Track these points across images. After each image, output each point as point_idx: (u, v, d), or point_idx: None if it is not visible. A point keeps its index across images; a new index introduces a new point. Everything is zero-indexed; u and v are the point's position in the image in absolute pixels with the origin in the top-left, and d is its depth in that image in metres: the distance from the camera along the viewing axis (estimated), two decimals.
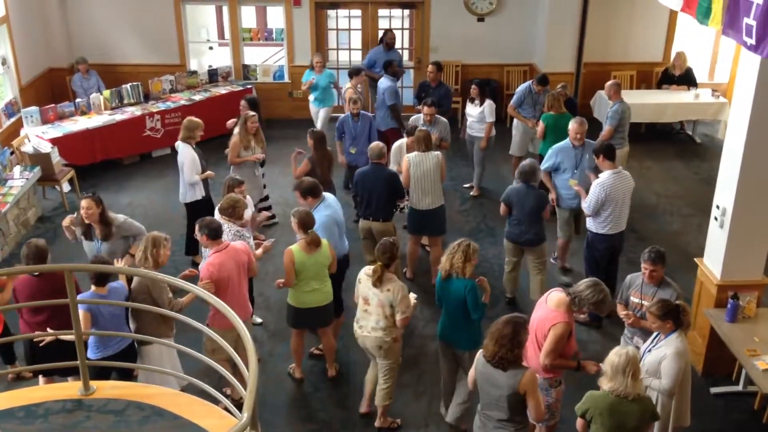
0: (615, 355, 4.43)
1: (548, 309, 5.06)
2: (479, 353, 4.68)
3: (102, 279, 5.44)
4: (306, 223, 5.97)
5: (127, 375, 5.56)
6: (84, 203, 6.19)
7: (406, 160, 7.53)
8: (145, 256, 5.58)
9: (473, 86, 9.50)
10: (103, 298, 5.41)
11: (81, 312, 5.37)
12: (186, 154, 7.75)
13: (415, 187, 7.50)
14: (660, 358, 4.90)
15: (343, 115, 9.07)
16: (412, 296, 5.78)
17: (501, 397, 4.53)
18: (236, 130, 8.27)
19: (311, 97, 10.71)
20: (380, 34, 12.50)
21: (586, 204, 6.95)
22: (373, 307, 5.66)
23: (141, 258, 5.61)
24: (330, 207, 6.58)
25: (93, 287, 5.44)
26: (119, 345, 5.53)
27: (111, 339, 5.43)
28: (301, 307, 6.12)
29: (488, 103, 9.35)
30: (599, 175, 7.00)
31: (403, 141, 8.24)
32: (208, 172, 7.94)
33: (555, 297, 5.12)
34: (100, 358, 5.41)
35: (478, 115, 9.42)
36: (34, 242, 5.77)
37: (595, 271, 6.98)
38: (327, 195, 6.72)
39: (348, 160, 8.95)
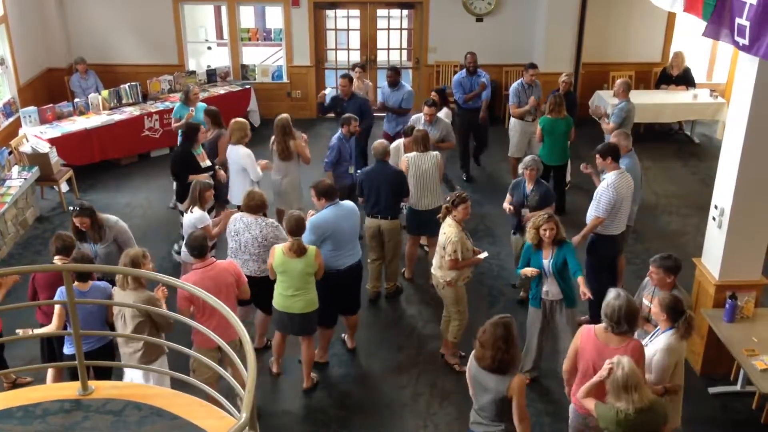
0: (612, 371, 4.29)
1: (612, 347, 4.65)
2: (471, 357, 4.69)
3: (84, 275, 5.47)
4: (292, 230, 5.90)
5: (107, 374, 5.54)
6: (77, 221, 6.24)
7: (405, 160, 7.52)
8: (125, 278, 5.38)
9: (433, 93, 9.28)
10: (83, 295, 5.44)
11: (56, 307, 5.45)
12: (245, 154, 7.73)
13: (414, 188, 7.49)
14: (653, 353, 4.91)
15: (333, 139, 8.23)
16: (484, 254, 6.35)
17: (490, 400, 4.55)
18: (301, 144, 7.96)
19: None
20: (381, 33, 12.48)
21: (600, 209, 6.67)
22: (438, 247, 6.33)
23: (121, 281, 5.41)
24: (336, 211, 6.36)
25: (75, 283, 5.44)
26: (94, 343, 5.51)
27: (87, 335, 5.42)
28: (281, 310, 6.09)
29: (443, 112, 9.08)
30: (604, 177, 6.87)
31: (401, 141, 8.23)
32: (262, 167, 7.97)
33: (602, 330, 4.76)
34: (73, 353, 5.42)
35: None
36: (62, 235, 5.84)
37: (597, 273, 6.89)
38: (345, 203, 6.53)
39: (350, 182, 8.13)
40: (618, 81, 9.23)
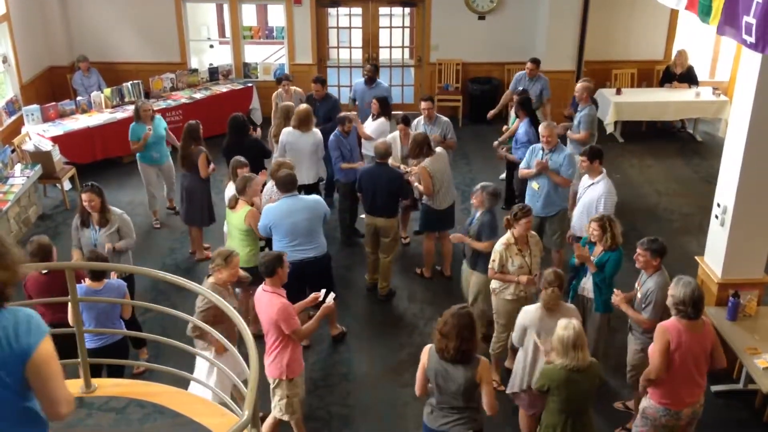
0: (562, 330, 4.50)
1: (698, 333, 4.85)
2: (431, 349, 4.59)
3: (98, 274, 5.50)
4: (239, 188, 6.61)
5: (119, 372, 5.54)
6: (85, 197, 6.27)
7: (427, 169, 7.33)
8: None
9: (373, 102, 8.80)
10: (97, 293, 5.47)
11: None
12: (320, 134, 8.17)
13: (438, 191, 7.45)
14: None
15: (331, 137, 8.17)
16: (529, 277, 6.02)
17: (458, 389, 4.51)
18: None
19: (140, 155, 8.89)
20: (383, 31, 12.46)
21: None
22: None
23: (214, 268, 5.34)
24: (290, 203, 6.43)
25: (88, 281, 5.52)
26: (108, 338, 5.55)
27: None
28: None
29: (380, 121, 8.68)
30: (597, 182, 6.76)
31: (396, 134, 8.19)
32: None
33: (684, 320, 4.81)
34: (94, 348, 5.44)
35: (372, 130, 8.68)
36: (38, 240, 5.78)
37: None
38: (306, 197, 6.73)
39: (354, 179, 7.82)
40: (579, 85, 8.78)
